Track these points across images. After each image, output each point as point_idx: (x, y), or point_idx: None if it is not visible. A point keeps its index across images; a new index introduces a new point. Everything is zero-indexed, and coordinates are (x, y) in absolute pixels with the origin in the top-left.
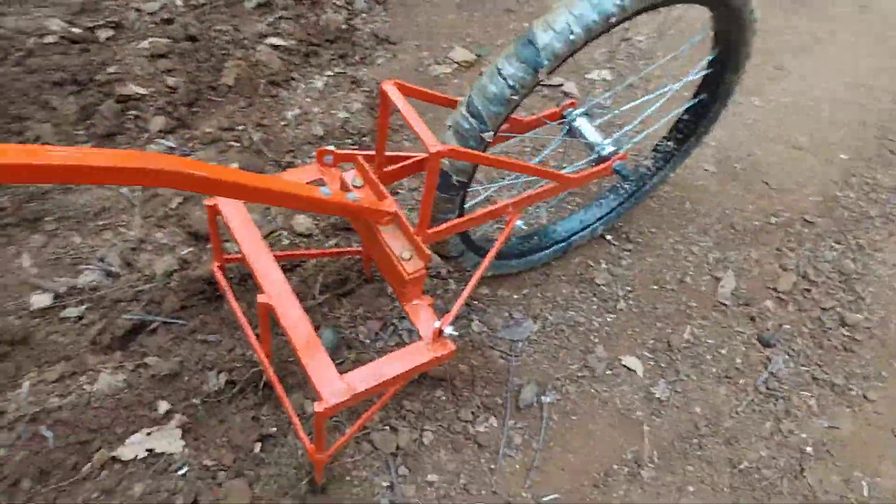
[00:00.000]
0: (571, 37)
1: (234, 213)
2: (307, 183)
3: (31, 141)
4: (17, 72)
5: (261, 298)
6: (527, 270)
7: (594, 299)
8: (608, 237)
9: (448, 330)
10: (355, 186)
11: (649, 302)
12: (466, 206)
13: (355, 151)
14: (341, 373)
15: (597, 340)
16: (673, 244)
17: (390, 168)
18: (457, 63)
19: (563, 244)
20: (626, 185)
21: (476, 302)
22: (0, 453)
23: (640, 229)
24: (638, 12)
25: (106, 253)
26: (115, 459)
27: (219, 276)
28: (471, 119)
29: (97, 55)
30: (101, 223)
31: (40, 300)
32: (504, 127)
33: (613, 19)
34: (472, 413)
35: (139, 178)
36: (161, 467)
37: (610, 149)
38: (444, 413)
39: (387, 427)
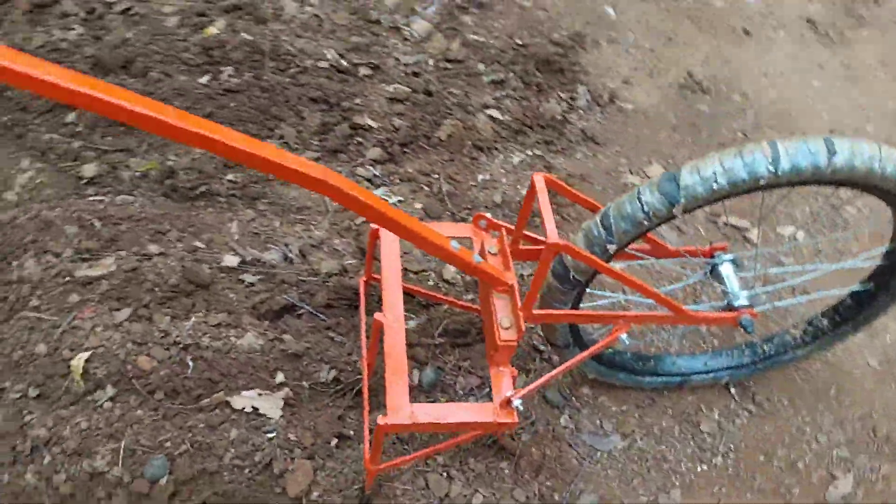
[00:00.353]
0: (715, 186)
1: (389, 242)
2: (456, 237)
3: (277, 138)
4: (289, 83)
5: (377, 316)
6: (634, 389)
7: (692, 443)
8: (732, 389)
9: (517, 402)
10: (490, 252)
11: (749, 470)
12: (585, 303)
13: (503, 224)
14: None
15: (677, 483)
16: (800, 424)
17: (523, 246)
18: (649, 178)
19: (678, 378)
20: (765, 346)
21: (574, 399)
22: (152, 364)
23: (770, 395)
24: (793, 183)
25: (291, 242)
26: (227, 404)
27: (362, 289)
28: (601, 228)
29: (351, 87)
30: (298, 217)
31: (230, 260)
32: (646, 248)
33: (762, 182)
34: (527, 497)
35: (312, 184)
36: (257, 425)
37: (743, 301)
38: (502, 485)
39: (445, 473)
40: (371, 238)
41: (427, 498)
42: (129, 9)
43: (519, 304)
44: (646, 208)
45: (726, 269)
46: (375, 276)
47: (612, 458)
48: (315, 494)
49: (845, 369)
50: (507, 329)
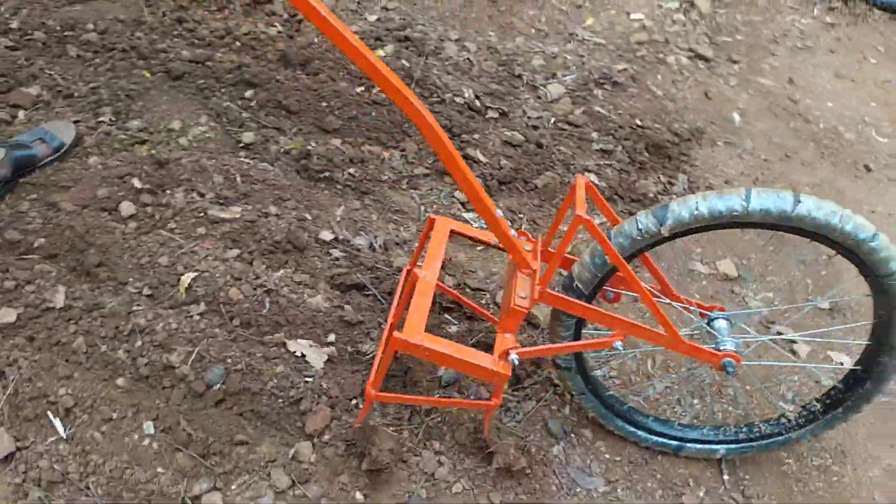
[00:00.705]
0: (696, 212)
1: (439, 236)
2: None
3: (399, 150)
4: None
5: (415, 271)
6: (631, 442)
7: None
8: (726, 476)
9: (513, 355)
10: (525, 249)
11: None
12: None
13: (537, 240)
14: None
15: None
16: None
17: (551, 249)
18: (717, 271)
19: (674, 443)
20: (762, 426)
21: (573, 436)
22: (239, 296)
23: (764, 493)
24: (764, 224)
25: (380, 235)
26: (284, 345)
27: (403, 275)
28: None
29: (475, 123)
30: (394, 217)
31: (326, 235)
32: (657, 287)
33: (735, 214)
34: (501, 502)
35: (403, 102)
36: (299, 367)
37: (730, 347)
38: (483, 484)
39: (438, 457)
40: (427, 228)
41: (415, 467)
42: None
43: (536, 282)
44: (639, 227)
45: (721, 324)
46: (419, 267)
47: (589, 497)
48: (326, 437)
49: (846, 496)
50: (522, 299)
